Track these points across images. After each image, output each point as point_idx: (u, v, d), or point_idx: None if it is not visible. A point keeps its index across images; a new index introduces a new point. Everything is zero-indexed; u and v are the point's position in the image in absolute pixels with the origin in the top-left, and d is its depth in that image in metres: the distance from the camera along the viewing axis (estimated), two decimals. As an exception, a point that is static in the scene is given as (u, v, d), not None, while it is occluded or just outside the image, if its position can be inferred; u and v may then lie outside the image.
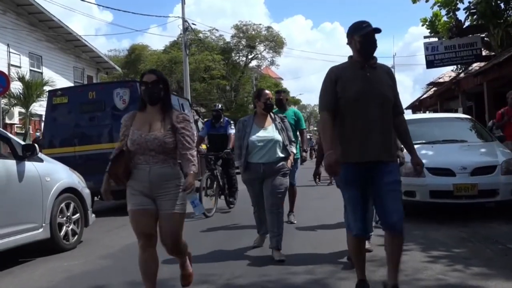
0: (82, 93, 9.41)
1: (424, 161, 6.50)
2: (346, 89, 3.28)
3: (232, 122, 8.61)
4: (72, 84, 19.50)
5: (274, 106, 5.69)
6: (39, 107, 16.77)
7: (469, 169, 6.33)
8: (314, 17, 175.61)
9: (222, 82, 37.80)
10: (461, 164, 6.40)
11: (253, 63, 43.13)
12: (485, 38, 14.41)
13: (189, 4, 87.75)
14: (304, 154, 6.81)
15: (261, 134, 4.93)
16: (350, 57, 3.46)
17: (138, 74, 36.33)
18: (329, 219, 7.05)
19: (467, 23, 14.08)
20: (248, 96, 38.87)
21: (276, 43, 41.22)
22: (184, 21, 23.70)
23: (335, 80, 3.32)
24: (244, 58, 41.97)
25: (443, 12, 14.29)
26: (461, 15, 15.10)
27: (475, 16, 13.16)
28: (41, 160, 5.55)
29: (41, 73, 18.52)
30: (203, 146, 9.53)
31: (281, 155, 4.91)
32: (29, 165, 5.25)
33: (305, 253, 4.96)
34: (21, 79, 15.75)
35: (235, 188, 8.68)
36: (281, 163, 4.88)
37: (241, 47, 41.00)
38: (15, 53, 17.31)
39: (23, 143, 5.40)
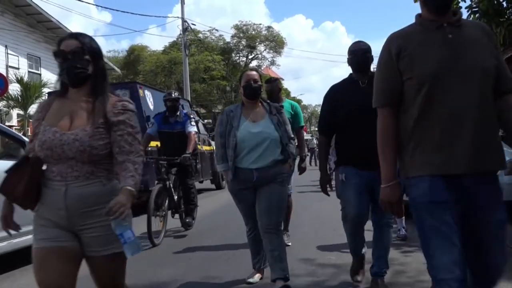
0: None
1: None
2: (417, 65, 2.09)
3: (192, 116, 6.67)
4: (71, 85, 19.51)
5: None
6: (38, 108, 16.74)
7: (472, 168, 6.25)
8: (314, 16, 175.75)
9: (222, 83, 37.78)
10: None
11: (254, 63, 43.04)
12: (487, 37, 14.33)
13: (188, 3, 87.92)
14: (302, 163, 5.45)
15: (253, 129, 3.73)
16: (418, 16, 2.24)
17: (138, 75, 36.53)
18: (331, 219, 7.00)
19: (468, 22, 14.00)
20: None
21: (276, 43, 41.21)
22: (184, 21, 23.68)
23: (397, 54, 2.14)
24: (244, 58, 41.97)
25: (444, 10, 14.22)
26: (463, 13, 15.06)
27: (477, 15, 13.09)
28: None
29: (40, 74, 18.47)
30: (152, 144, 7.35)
31: (279, 157, 3.76)
32: None
33: (307, 255, 4.91)
34: (19, 80, 15.70)
35: (194, 204, 6.58)
36: (278, 168, 3.77)
37: (241, 47, 41.00)
38: (13, 55, 17.26)
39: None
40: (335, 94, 3.68)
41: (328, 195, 3.79)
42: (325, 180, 3.76)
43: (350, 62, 3.62)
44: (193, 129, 6.27)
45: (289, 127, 3.91)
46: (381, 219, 3.66)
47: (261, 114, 3.84)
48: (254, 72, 3.93)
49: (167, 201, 6.14)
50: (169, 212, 6.37)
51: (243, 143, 3.71)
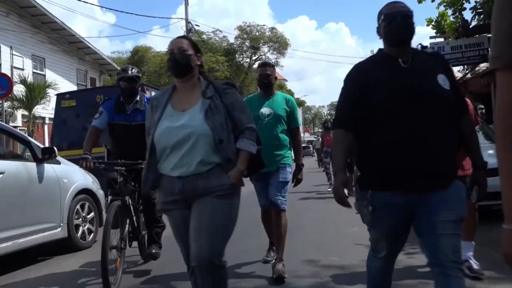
0: (90, 96, 9.67)
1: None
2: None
3: None
4: (75, 86, 19.64)
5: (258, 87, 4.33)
6: (42, 109, 16.79)
7: (476, 170, 6.21)
8: (318, 17, 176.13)
9: (225, 84, 37.79)
10: (468, 165, 6.30)
11: (257, 64, 43.14)
12: (492, 38, 14.29)
13: (192, 4, 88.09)
14: (299, 173, 4.44)
15: (174, 123, 2.64)
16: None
17: (142, 76, 36.53)
18: (334, 220, 7.00)
19: (473, 23, 13.97)
20: (252, 97, 38.90)
21: (280, 44, 41.23)
22: (187, 22, 23.75)
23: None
24: (248, 59, 42.00)
25: (449, 12, 14.20)
26: (467, 15, 14.97)
27: (481, 16, 13.05)
28: (58, 163, 5.78)
29: (44, 75, 18.52)
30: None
31: (211, 161, 2.61)
32: (48, 167, 5.48)
33: (310, 256, 4.90)
34: (24, 81, 15.76)
35: (161, 226, 4.75)
36: (214, 177, 2.62)
37: (245, 48, 41.03)
38: (18, 56, 17.32)
39: (42, 146, 5.63)
40: (364, 75, 2.40)
41: (349, 205, 2.45)
42: (342, 183, 2.36)
43: (385, 30, 2.40)
44: None
45: (241, 113, 2.71)
46: (443, 259, 2.27)
47: (194, 99, 2.68)
48: (182, 40, 2.78)
49: (127, 225, 4.34)
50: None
51: (159, 143, 2.64)
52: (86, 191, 6.13)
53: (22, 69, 17.19)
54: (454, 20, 14.27)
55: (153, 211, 4.51)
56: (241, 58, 42.10)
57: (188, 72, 2.71)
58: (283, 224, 4.27)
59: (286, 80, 55.40)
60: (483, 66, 15.06)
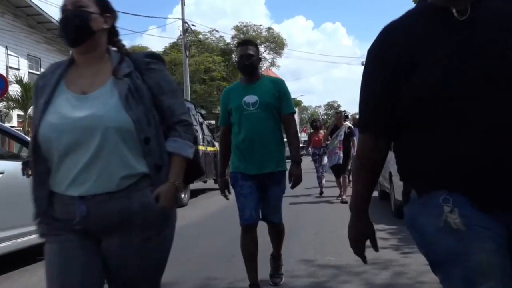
0: None
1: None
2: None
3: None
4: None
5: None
6: (38, 109, 16.74)
7: (472, 170, 6.22)
8: (315, 17, 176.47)
9: (222, 84, 37.77)
10: (464, 165, 6.30)
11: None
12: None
13: (188, 4, 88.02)
14: (296, 169, 3.62)
15: (74, 111, 1.73)
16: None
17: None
18: (330, 220, 7.01)
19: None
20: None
21: (276, 44, 41.32)
22: (184, 22, 23.70)
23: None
24: (244, 60, 42.01)
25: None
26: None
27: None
28: None
29: (40, 75, 18.47)
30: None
31: (134, 170, 1.73)
32: None
33: (307, 256, 4.90)
34: (19, 81, 15.71)
35: None
36: (137, 196, 1.73)
37: (241, 48, 41.01)
38: (13, 55, 17.27)
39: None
40: (402, 45, 1.46)
41: (366, 262, 1.87)
42: (363, 233, 1.78)
43: None
44: None
45: (173, 99, 1.86)
46: None
47: (101, 78, 1.79)
48: None
49: None
50: None
51: (46, 143, 1.72)
52: None
53: (18, 69, 17.14)
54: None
55: None
56: (238, 58, 42.11)
57: (86, 37, 1.77)
58: (281, 231, 3.84)
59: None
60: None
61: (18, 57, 17.55)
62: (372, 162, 1.59)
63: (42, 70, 18.55)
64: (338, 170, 9.39)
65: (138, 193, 1.73)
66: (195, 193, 11.39)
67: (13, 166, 4.98)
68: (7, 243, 4.68)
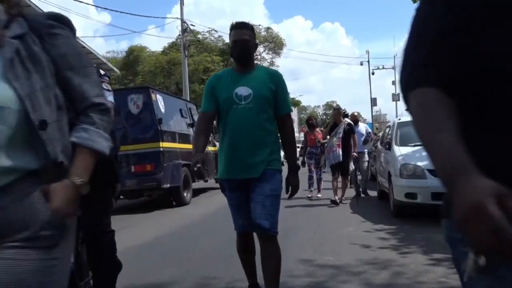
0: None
1: (425, 162, 6.64)
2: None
3: (107, 75, 3.41)
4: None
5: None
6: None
7: (471, 170, 6.23)
8: (314, 17, 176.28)
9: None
10: (463, 165, 6.32)
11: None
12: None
13: (187, 4, 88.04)
14: (292, 176, 3.17)
15: None
16: None
17: (137, 75, 36.50)
18: (329, 220, 7.01)
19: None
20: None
21: (275, 44, 41.30)
22: (183, 22, 23.67)
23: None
24: (243, 60, 42.03)
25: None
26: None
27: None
28: None
29: (39, 74, 18.43)
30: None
31: (18, 163, 1.29)
32: None
33: (306, 256, 4.89)
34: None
35: (116, 267, 3.14)
36: (21, 200, 1.29)
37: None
38: (13, 55, 17.22)
39: None
40: None
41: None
42: (487, 187, 0.79)
43: None
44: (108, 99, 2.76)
45: (79, 79, 1.44)
46: None
47: None
48: None
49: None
50: None
51: None
52: None
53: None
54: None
55: (104, 242, 3.04)
56: (237, 58, 42.09)
57: None
58: (276, 256, 3.05)
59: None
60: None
61: (17, 57, 17.51)
62: (446, 113, 0.93)
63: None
64: (337, 169, 8.77)
65: (20, 196, 1.29)
66: (196, 192, 11.40)
67: None
68: None
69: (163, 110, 9.99)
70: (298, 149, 11.63)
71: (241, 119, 2.98)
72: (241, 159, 3.00)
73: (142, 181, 9.27)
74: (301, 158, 10.12)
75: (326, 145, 9.24)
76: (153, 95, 9.77)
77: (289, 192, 3.19)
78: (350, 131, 8.84)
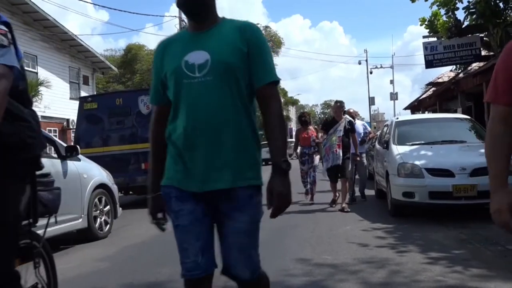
0: (110, 100, 10.78)
1: (423, 161, 6.65)
2: None
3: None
4: (67, 84, 19.58)
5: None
6: (34, 107, 16.61)
7: (468, 169, 6.28)
8: (312, 16, 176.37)
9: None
10: (460, 165, 6.36)
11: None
12: (485, 38, 14.40)
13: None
14: (278, 183, 1.91)
15: None
16: None
17: (134, 74, 36.39)
18: (327, 219, 7.01)
19: (466, 23, 14.06)
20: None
21: (274, 43, 41.27)
22: (181, 20, 23.63)
23: None
24: (241, 58, 42.09)
25: (442, 11, 14.28)
26: (460, 14, 15.09)
27: (474, 16, 13.13)
28: (78, 160, 6.28)
29: (36, 73, 18.38)
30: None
31: None
32: (71, 164, 6.02)
33: (304, 255, 4.88)
34: (16, 78, 15.65)
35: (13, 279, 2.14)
36: None
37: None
38: (10, 53, 17.16)
39: (65, 145, 6.20)
40: None
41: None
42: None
43: None
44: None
45: None
46: None
47: None
48: None
49: None
50: None
51: None
52: (102, 186, 6.69)
53: (14, 67, 17.05)
54: (447, 19, 14.35)
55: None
56: (235, 57, 42.13)
57: None
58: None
59: (280, 79, 55.39)
60: (475, 65, 15.15)
61: (15, 55, 17.45)
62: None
63: (39, 67, 18.55)
64: (336, 171, 7.98)
65: None
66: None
67: (43, 163, 5.37)
68: (39, 232, 5.14)
69: None
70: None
71: (196, 100, 1.95)
72: (199, 162, 1.95)
73: None
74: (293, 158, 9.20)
75: (324, 144, 8.30)
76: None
77: (273, 206, 1.93)
78: (351, 130, 8.06)
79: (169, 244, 4.67)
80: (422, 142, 7.43)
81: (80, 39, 21.02)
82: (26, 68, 18.57)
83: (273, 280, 4.07)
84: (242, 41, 2.01)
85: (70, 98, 19.99)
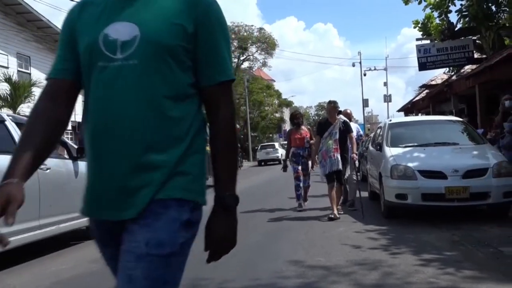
0: None
1: (416, 163, 6.68)
2: None
3: None
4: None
5: None
6: (27, 108, 16.60)
7: (460, 171, 6.31)
8: (306, 18, 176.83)
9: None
10: (453, 167, 6.39)
11: (245, 64, 43.14)
12: (477, 41, 14.52)
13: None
14: (219, 221, 1.63)
15: None
16: None
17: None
18: (320, 221, 7.01)
19: (459, 26, 14.17)
20: (240, 97, 38.92)
21: (268, 45, 41.36)
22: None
23: None
24: (236, 60, 41.98)
25: (435, 14, 14.39)
26: (453, 17, 15.19)
27: (467, 19, 13.24)
28: None
29: (29, 74, 18.29)
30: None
31: None
32: (81, 164, 6.10)
33: (297, 257, 4.88)
34: (8, 80, 15.56)
35: None
36: None
37: (232, 48, 40.92)
38: (2, 54, 17.08)
39: (76, 146, 6.39)
40: None
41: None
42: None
43: None
44: None
45: None
46: None
47: None
48: None
49: None
50: None
51: None
52: None
53: (7, 67, 16.96)
54: (440, 22, 14.46)
55: None
56: (229, 58, 42.08)
57: None
58: None
59: (274, 81, 55.46)
60: (468, 68, 15.26)
61: (7, 55, 17.35)
62: None
63: (32, 68, 18.45)
64: (333, 177, 7.30)
65: None
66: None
67: (56, 163, 5.84)
68: (53, 228, 5.54)
69: None
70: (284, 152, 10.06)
71: (112, 92, 1.37)
72: (110, 179, 1.38)
73: None
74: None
75: (320, 149, 7.54)
76: None
77: (209, 250, 1.67)
78: (346, 130, 7.48)
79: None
80: (415, 144, 7.44)
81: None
82: (19, 68, 18.51)
83: (266, 282, 4.08)
84: (188, 17, 1.39)
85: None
